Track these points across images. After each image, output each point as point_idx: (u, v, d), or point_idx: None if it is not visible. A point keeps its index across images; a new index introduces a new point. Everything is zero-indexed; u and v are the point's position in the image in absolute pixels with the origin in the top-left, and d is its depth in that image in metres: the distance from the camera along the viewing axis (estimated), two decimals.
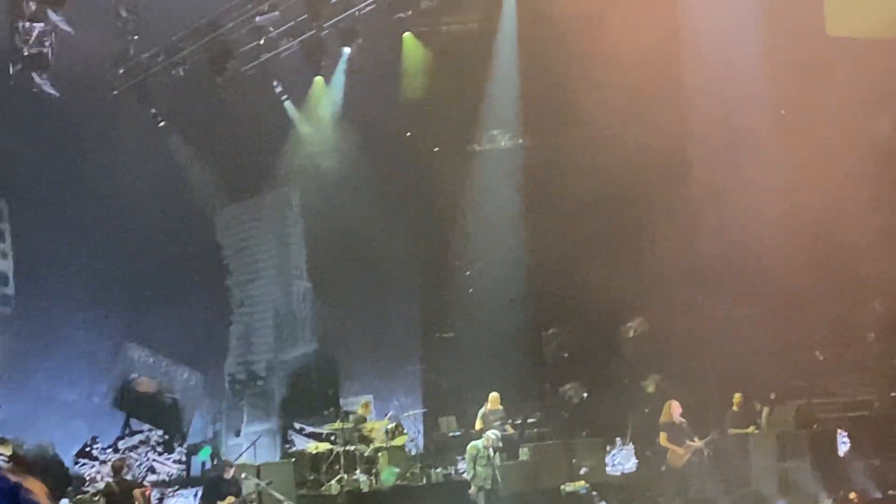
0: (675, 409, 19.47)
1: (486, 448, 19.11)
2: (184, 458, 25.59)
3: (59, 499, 19.45)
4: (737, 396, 20.86)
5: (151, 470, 25.31)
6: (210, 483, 19.77)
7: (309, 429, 25.68)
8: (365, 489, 20.42)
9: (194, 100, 25.43)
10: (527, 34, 24.59)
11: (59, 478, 21.57)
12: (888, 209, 20.56)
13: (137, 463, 24.89)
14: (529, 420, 23.54)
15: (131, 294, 26.07)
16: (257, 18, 23.64)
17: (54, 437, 23.53)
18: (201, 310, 26.54)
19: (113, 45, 24.30)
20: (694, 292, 23.43)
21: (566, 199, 24.50)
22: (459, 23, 25.57)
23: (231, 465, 18.96)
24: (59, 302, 25.05)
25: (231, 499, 17.98)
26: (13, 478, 7.29)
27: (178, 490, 24.00)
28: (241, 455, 22.53)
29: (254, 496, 19.08)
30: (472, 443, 19.51)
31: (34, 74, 22.65)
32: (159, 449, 25.83)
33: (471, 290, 26.07)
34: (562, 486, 20.36)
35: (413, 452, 23.19)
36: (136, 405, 26.43)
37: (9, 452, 18.43)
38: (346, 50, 24.65)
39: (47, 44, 22.47)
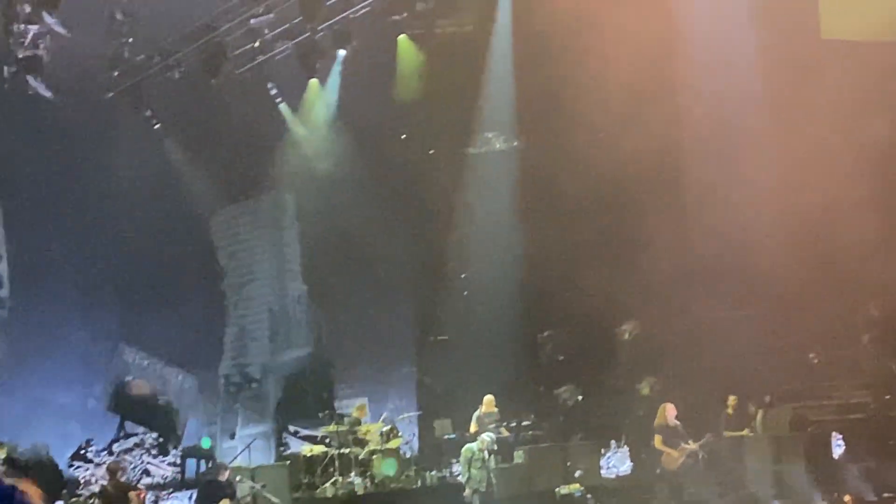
0: (669, 412, 19.50)
1: (480, 451, 19.10)
2: (178, 461, 25.55)
3: (54, 501, 19.38)
4: (731, 399, 20.92)
5: (146, 473, 25.28)
6: (205, 486, 19.73)
7: (304, 431, 25.65)
8: (360, 492, 20.37)
9: (189, 102, 25.40)
10: (521, 37, 24.62)
11: (53, 480, 21.53)
12: (883, 211, 20.59)
13: (132, 466, 24.87)
14: (524, 423, 23.52)
15: (126, 296, 26.03)
16: (252, 21, 23.63)
17: (49, 439, 23.44)
18: (196, 312, 26.46)
19: (108, 47, 24.21)
20: (689, 295, 23.43)
21: (561, 201, 24.52)
22: (454, 25, 25.54)
23: (226, 468, 18.93)
24: (53, 304, 24.99)
25: (226, 501, 17.97)
26: (8, 480, 7.29)
27: (172, 493, 23.98)
28: (235, 458, 22.50)
29: (248, 499, 19.09)
30: (467, 445, 19.50)
31: (29, 77, 22.57)
32: (154, 451, 25.80)
33: (466, 293, 26.07)
34: (557, 489, 20.39)
35: (408, 455, 23.19)
36: (130, 408, 26.39)
37: (3, 455, 18.46)
38: (341, 52, 24.62)
39: (42, 46, 22.39)
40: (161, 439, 26.08)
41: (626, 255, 23.73)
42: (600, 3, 22.33)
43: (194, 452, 25.16)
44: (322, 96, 25.72)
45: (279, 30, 23.96)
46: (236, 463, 21.46)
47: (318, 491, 20.74)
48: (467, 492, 19.25)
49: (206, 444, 24.85)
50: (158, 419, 26.50)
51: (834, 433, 20.28)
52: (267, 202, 27.60)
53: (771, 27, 22.17)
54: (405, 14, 23.90)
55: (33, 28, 22.06)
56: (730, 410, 20.83)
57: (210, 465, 23.90)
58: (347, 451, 20.96)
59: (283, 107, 25.90)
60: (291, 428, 26.02)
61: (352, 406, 23.84)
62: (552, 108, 24.54)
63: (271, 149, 26.42)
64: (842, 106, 20.64)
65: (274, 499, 18.44)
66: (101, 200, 24.98)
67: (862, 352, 21.77)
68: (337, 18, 23.68)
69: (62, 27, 22.17)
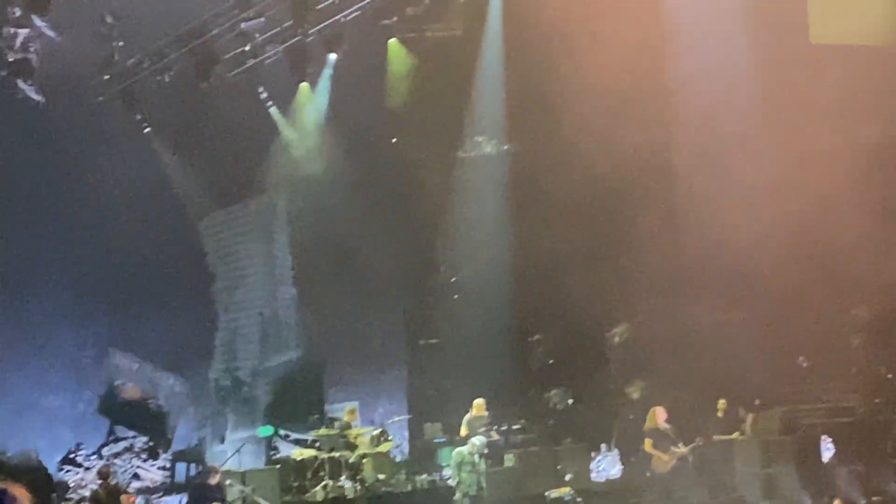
0: (659, 416, 19.49)
1: (471, 454, 19.12)
2: (168, 465, 25.51)
3: None
4: (721, 402, 20.93)
5: (136, 477, 25.23)
6: (195, 490, 19.73)
7: (294, 435, 25.62)
8: (350, 496, 20.37)
9: (180, 105, 25.37)
10: (512, 40, 24.64)
11: (43, 485, 21.52)
12: (873, 215, 20.61)
13: (122, 470, 24.83)
14: (514, 426, 23.47)
15: (116, 300, 25.97)
16: (243, 25, 23.59)
17: (38, 443, 23.45)
18: (186, 316, 26.44)
19: (98, 50, 24.20)
20: (679, 299, 23.45)
21: (551, 204, 24.51)
22: (445, 29, 25.53)
23: (216, 472, 18.93)
24: (43, 308, 24.94)
25: None
26: None
27: (162, 497, 23.96)
28: (225, 461, 22.48)
29: (238, 503, 19.06)
30: (458, 449, 19.52)
31: (19, 80, 22.57)
32: (144, 455, 25.75)
33: (456, 297, 26.09)
34: (547, 493, 20.36)
35: (398, 459, 23.18)
36: (120, 412, 26.35)
37: None
38: (332, 56, 24.62)
39: (32, 50, 22.39)
40: (151, 443, 26.03)
41: (616, 258, 23.78)
42: (590, 7, 22.34)
43: (184, 456, 25.14)
44: (313, 100, 25.73)
45: (270, 33, 23.94)
46: (226, 466, 21.45)
47: (308, 494, 20.72)
48: (458, 495, 19.28)
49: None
50: (148, 423, 26.45)
51: (824, 437, 20.27)
52: (257, 206, 27.57)
53: (761, 31, 22.20)
54: (396, 18, 23.88)
55: (23, 31, 22.05)
56: (720, 414, 20.83)
57: (200, 468, 23.87)
58: (338, 454, 20.95)
59: (273, 110, 25.90)
60: (282, 431, 25.99)
61: (342, 409, 23.83)
62: (542, 111, 24.55)
63: (262, 153, 26.42)
64: (831, 110, 20.67)
65: (264, 502, 18.44)
66: (91, 204, 24.90)
67: (852, 355, 21.79)
68: (328, 22, 23.66)
69: (52, 30, 22.17)
